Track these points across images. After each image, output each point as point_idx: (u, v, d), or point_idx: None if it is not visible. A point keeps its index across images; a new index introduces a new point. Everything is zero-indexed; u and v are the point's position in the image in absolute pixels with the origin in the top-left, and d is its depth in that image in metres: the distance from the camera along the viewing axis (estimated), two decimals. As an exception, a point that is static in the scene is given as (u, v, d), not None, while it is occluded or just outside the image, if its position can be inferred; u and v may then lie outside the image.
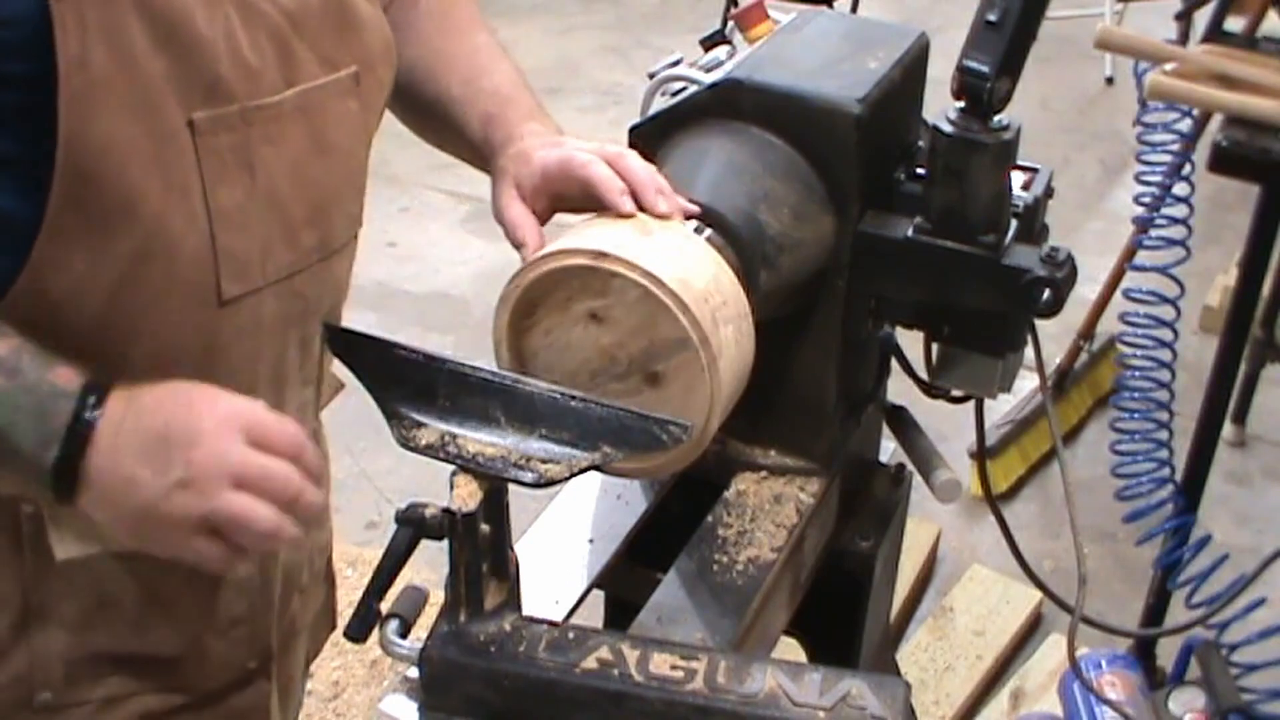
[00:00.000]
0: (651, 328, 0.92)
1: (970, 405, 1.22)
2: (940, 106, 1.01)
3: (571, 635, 0.84)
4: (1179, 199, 1.97)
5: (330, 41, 1.00)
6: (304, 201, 1.00)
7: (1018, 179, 1.09)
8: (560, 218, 1.04)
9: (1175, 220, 1.98)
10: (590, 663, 0.82)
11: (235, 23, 0.92)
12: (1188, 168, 1.96)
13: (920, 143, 1.13)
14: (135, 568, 1.02)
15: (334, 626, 1.31)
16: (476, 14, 1.25)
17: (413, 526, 0.84)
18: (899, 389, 1.27)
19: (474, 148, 1.14)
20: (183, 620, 1.08)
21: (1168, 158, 2.00)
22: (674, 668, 0.82)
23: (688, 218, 0.98)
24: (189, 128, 0.90)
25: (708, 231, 0.98)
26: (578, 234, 0.96)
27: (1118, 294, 2.55)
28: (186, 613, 1.08)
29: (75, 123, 0.85)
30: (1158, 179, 2.01)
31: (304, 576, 1.21)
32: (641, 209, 0.97)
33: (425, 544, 0.85)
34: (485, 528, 0.83)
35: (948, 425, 1.96)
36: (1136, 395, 1.95)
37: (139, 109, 0.88)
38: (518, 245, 1.02)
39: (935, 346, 1.13)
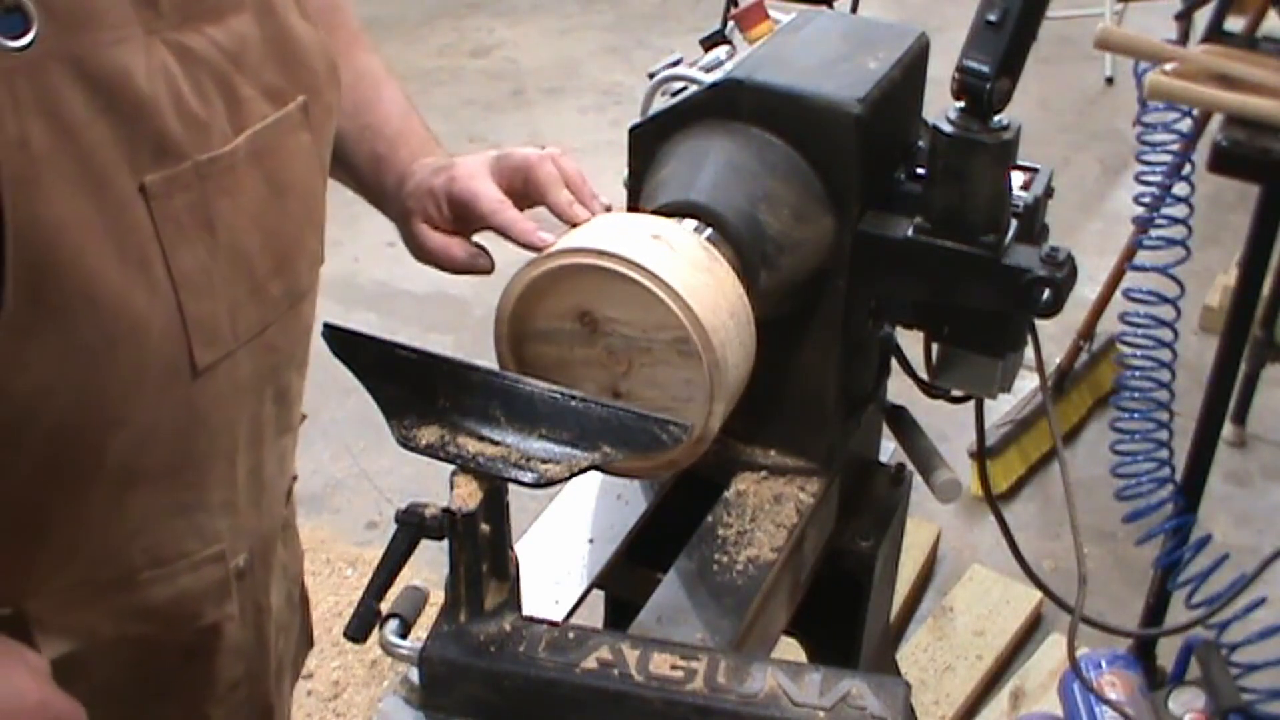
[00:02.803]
0: (652, 327, 0.92)
1: (970, 405, 1.22)
2: (940, 106, 1.01)
3: (571, 635, 0.84)
4: (1179, 199, 1.97)
5: (274, 73, 0.95)
6: (268, 251, 0.95)
7: (1018, 179, 1.09)
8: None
9: (1175, 220, 1.98)
10: (590, 663, 0.82)
11: (176, 72, 0.86)
12: (1188, 168, 1.96)
13: (920, 143, 1.13)
14: (125, 655, 1.00)
15: (310, 645, 1.30)
16: (359, 33, 1.18)
17: (413, 526, 0.84)
18: (899, 389, 1.27)
19: (365, 188, 1.13)
20: (181, 695, 1.06)
21: (1168, 158, 2.00)
22: (674, 668, 0.82)
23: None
24: (141, 193, 0.84)
25: (708, 231, 0.98)
26: (578, 233, 0.96)
27: (1118, 294, 2.55)
28: (185, 688, 1.06)
29: (22, 208, 0.78)
30: (1158, 179, 2.01)
31: (285, 614, 1.19)
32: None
33: (425, 544, 0.85)
34: (485, 528, 0.83)
35: (948, 425, 1.97)
36: (1136, 395, 1.95)
37: (87, 182, 0.81)
38: (457, 266, 1.04)
39: (935, 346, 1.13)
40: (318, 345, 0.88)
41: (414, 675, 0.86)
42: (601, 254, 0.90)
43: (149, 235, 0.86)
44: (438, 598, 0.85)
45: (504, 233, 1.02)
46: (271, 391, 1.02)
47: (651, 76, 1.27)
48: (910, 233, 1.03)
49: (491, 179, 1.06)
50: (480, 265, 1.07)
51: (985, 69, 0.97)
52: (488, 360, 0.92)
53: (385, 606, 0.87)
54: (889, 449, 1.33)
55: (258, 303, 0.95)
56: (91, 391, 0.86)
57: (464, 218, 1.06)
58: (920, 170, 1.07)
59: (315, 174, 1.01)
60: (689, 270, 0.91)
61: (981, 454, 1.33)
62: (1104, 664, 2.07)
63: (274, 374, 1.01)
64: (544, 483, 0.82)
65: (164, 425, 0.91)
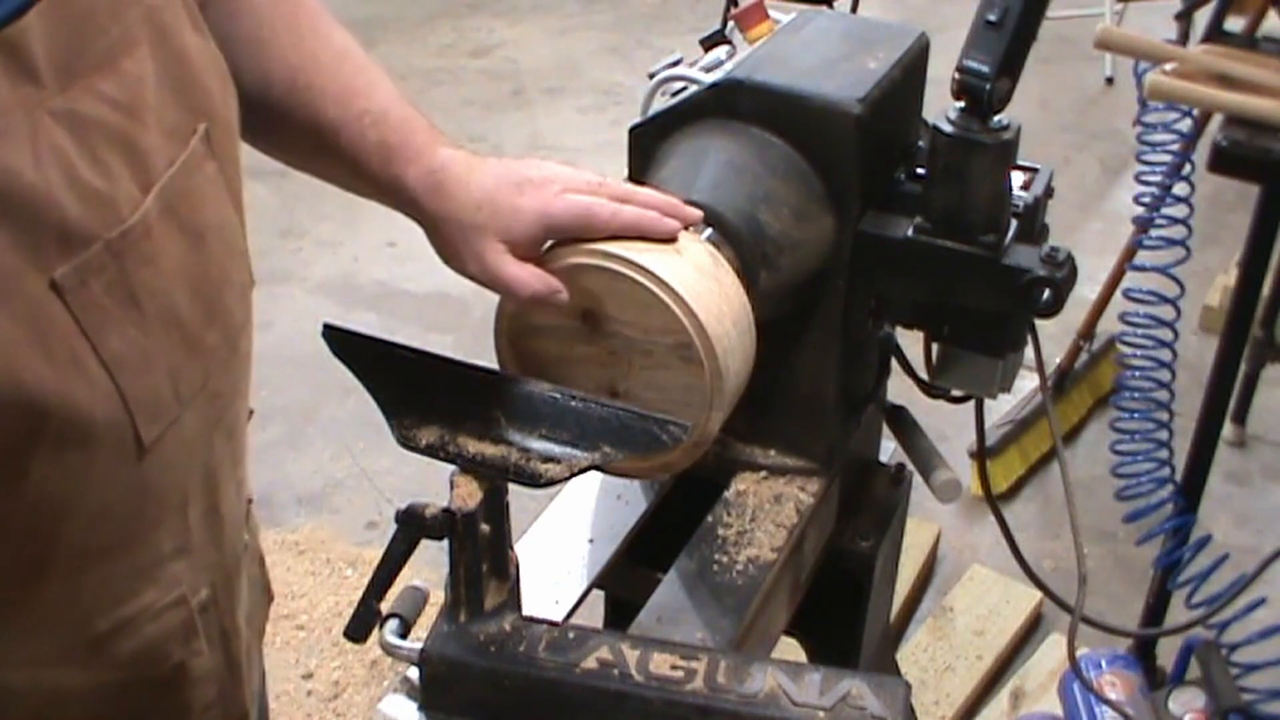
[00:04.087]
0: (655, 330, 0.92)
1: (970, 405, 1.22)
2: (940, 106, 1.01)
3: (571, 635, 0.84)
4: (1179, 199, 1.98)
5: (174, 109, 0.86)
6: (198, 303, 0.88)
7: (1018, 179, 1.09)
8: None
9: (1175, 220, 1.98)
10: (590, 663, 0.82)
11: (67, 148, 0.78)
12: (1188, 168, 1.97)
13: (920, 143, 1.13)
14: (96, 701, 0.96)
15: (270, 598, 1.25)
16: (322, 8, 1.08)
17: (413, 526, 0.84)
18: (899, 389, 1.27)
19: (371, 180, 1.02)
20: None
21: (1168, 158, 2.00)
22: (674, 668, 0.82)
23: (686, 226, 0.96)
24: (54, 290, 0.77)
25: (708, 231, 0.98)
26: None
27: (1118, 294, 2.55)
28: (160, 718, 1.02)
29: None
30: (1158, 179, 2.01)
31: (249, 604, 1.14)
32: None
33: (425, 544, 0.85)
34: (485, 528, 0.83)
35: (948, 425, 1.96)
36: (1136, 395, 1.95)
37: None
38: (536, 298, 0.93)
39: (935, 346, 1.13)
40: (318, 345, 0.88)
41: (414, 675, 0.86)
42: (608, 255, 0.91)
43: (72, 331, 0.79)
44: (438, 598, 0.85)
45: None
46: (220, 435, 0.97)
47: (651, 76, 1.28)
48: (910, 233, 1.03)
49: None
50: (560, 299, 0.96)
51: (985, 69, 0.97)
52: (488, 360, 0.92)
53: (385, 606, 0.87)
54: (889, 449, 1.33)
55: (196, 358, 0.90)
56: (42, 494, 0.81)
57: (562, 244, 0.97)
58: (920, 170, 1.07)
59: (225, 202, 0.93)
60: (695, 276, 0.91)
61: (981, 454, 1.33)
62: (1104, 664, 2.07)
63: (219, 418, 0.96)
64: (544, 483, 0.82)
65: (115, 506, 0.87)
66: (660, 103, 1.22)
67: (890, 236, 1.04)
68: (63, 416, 0.79)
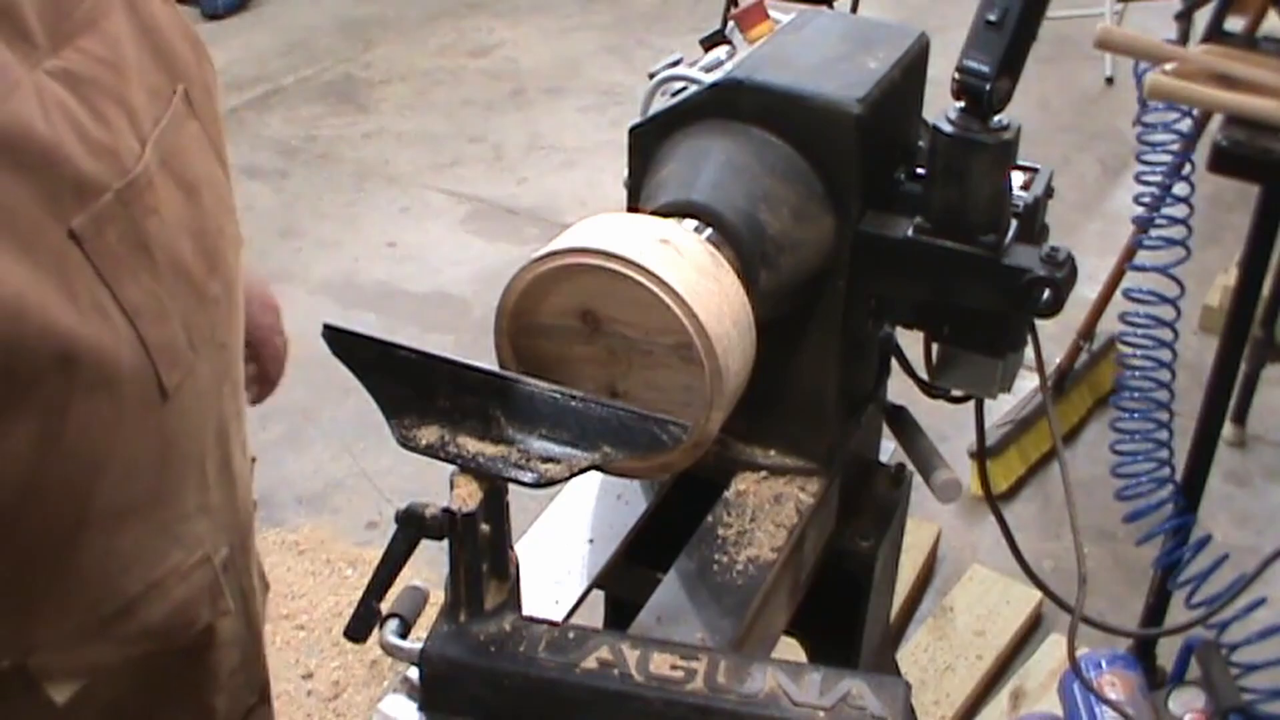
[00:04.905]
0: (655, 331, 0.92)
1: (970, 405, 1.22)
2: (940, 106, 1.01)
3: (571, 635, 0.84)
4: (1179, 199, 1.98)
5: (152, 70, 0.91)
6: (200, 254, 0.93)
7: (1018, 179, 1.09)
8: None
9: (1175, 220, 1.98)
10: (590, 663, 0.82)
11: (72, 104, 0.82)
12: (1188, 168, 1.97)
13: (920, 143, 1.13)
14: (130, 675, 0.99)
15: (266, 587, 1.26)
16: None
17: (413, 526, 0.84)
18: (899, 389, 1.27)
19: None
20: (187, 696, 1.06)
21: (1168, 158, 2.00)
22: (674, 668, 0.82)
23: None
24: (73, 239, 0.82)
25: (708, 231, 0.98)
26: (579, 233, 0.96)
27: (1118, 294, 2.55)
28: (189, 688, 1.06)
29: None
30: (1158, 179, 2.01)
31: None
32: None
33: (425, 544, 0.85)
34: (485, 528, 0.83)
35: (948, 425, 1.97)
36: (1136, 395, 1.96)
37: (20, 248, 0.78)
38: None
39: (935, 346, 1.13)
40: (318, 345, 0.88)
41: (414, 675, 0.86)
42: (608, 255, 0.90)
43: (92, 278, 0.83)
44: (438, 598, 0.85)
45: None
46: (229, 386, 1.02)
47: (651, 76, 1.27)
48: (910, 233, 1.03)
49: None
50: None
51: (985, 69, 0.97)
52: (488, 360, 0.92)
53: (385, 606, 0.87)
54: (889, 449, 1.33)
55: (204, 308, 0.95)
56: (78, 448, 0.84)
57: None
58: (920, 170, 1.07)
59: (212, 160, 0.99)
60: (695, 276, 0.91)
61: (981, 454, 1.33)
62: (1104, 664, 2.07)
63: (228, 369, 1.01)
64: (544, 483, 0.82)
65: (142, 457, 0.90)
66: (660, 103, 1.22)
67: (890, 236, 1.04)
68: (93, 362, 0.83)
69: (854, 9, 2.73)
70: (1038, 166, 1.13)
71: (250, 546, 1.13)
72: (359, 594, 0.87)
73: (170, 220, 0.90)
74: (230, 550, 1.06)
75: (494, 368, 0.90)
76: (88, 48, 0.85)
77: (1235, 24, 1.91)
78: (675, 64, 1.26)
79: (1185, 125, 1.99)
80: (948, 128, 0.99)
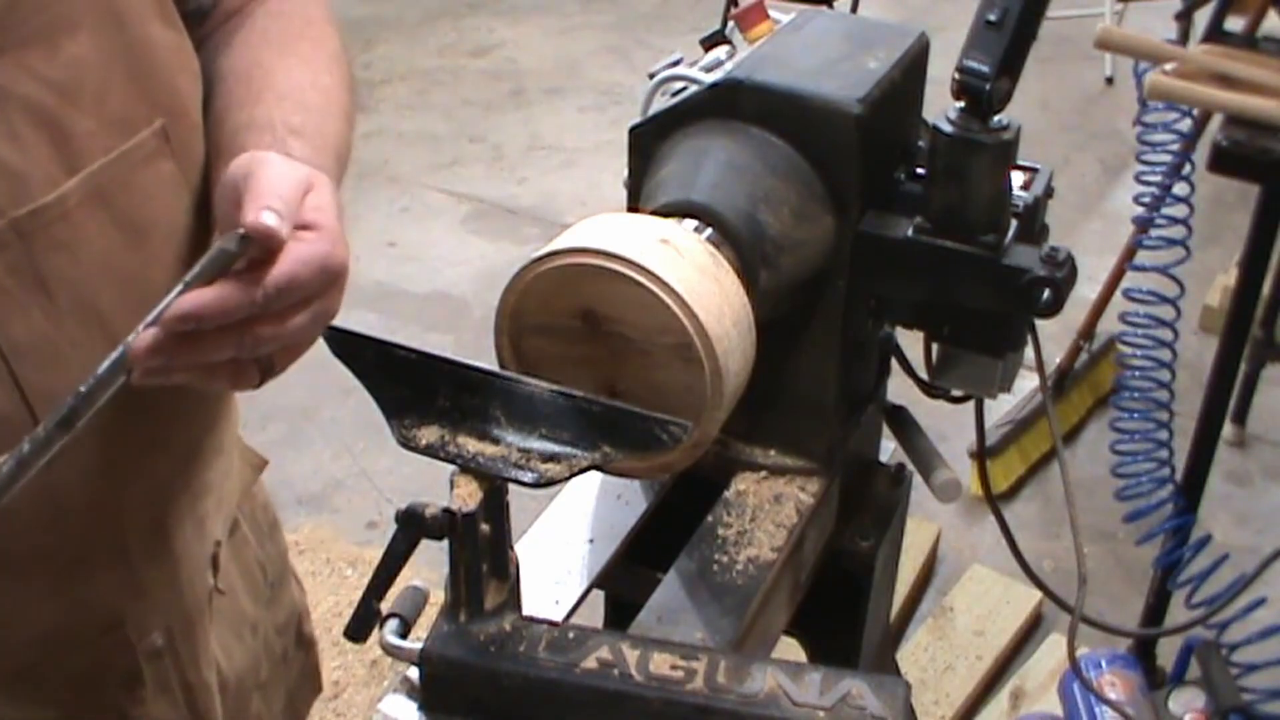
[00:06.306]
0: (655, 331, 0.92)
1: (970, 405, 1.22)
2: (940, 106, 1.01)
3: (571, 635, 0.84)
4: (1179, 199, 1.98)
5: (122, 97, 0.83)
6: (128, 302, 0.83)
7: (1018, 179, 1.09)
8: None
9: (1175, 220, 1.98)
10: (590, 663, 0.82)
11: None
12: (1188, 168, 1.97)
13: (920, 143, 1.13)
14: None
15: (318, 690, 1.21)
16: (317, 31, 1.01)
17: (413, 526, 0.84)
18: (899, 389, 1.27)
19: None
20: None
21: (1168, 158, 2.00)
22: (674, 668, 0.82)
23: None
24: None
25: (708, 231, 0.98)
26: (579, 233, 0.96)
27: (1118, 294, 2.55)
28: None
29: None
30: (1158, 179, 2.01)
31: (262, 672, 1.11)
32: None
33: (425, 544, 0.85)
34: (485, 528, 0.83)
35: (948, 425, 1.96)
36: (1136, 395, 1.96)
37: None
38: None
39: (935, 346, 1.13)
40: (318, 345, 0.88)
41: (414, 675, 0.86)
42: (608, 255, 0.90)
43: None
44: (438, 598, 0.85)
45: None
46: (164, 459, 0.92)
47: (651, 76, 1.27)
48: (910, 233, 1.03)
49: None
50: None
51: (985, 69, 0.97)
52: (488, 360, 0.92)
53: (385, 606, 0.87)
54: (889, 449, 1.33)
55: None
56: None
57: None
58: (920, 170, 1.07)
59: (180, 206, 0.89)
60: (695, 276, 0.91)
61: (981, 454, 1.33)
62: (1104, 664, 2.07)
63: (164, 439, 0.91)
64: (544, 483, 0.82)
65: (20, 512, 0.78)
66: (660, 103, 1.21)
67: (890, 236, 1.04)
68: None
69: (854, 9, 2.73)
70: (1038, 166, 1.13)
71: (200, 637, 1.02)
72: (359, 594, 0.87)
73: (88, 259, 0.82)
74: (167, 637, 0.98)
75: (494, 368, 0.90)
76: (34, 65, 0.78)
77: (1235, 24, 1.91)
78: (675, 64, 1.26)
79: (1185, 125, 1.99)
80: (948, 128, 0.99)
